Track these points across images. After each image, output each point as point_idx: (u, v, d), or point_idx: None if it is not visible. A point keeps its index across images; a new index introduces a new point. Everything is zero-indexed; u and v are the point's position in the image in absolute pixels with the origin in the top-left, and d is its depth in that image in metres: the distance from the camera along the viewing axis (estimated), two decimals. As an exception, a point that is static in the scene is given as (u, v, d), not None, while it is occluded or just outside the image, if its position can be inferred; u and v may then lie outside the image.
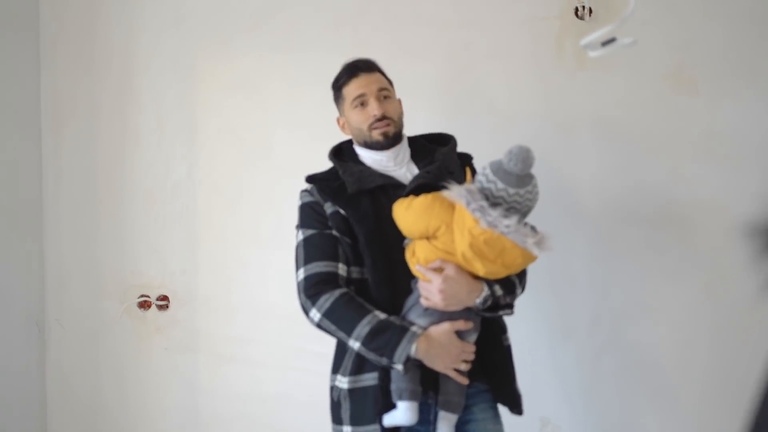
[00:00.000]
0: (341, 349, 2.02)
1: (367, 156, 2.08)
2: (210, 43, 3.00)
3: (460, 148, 2.16)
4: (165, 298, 3.07)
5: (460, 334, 1.89)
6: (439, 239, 1.84)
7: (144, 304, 3.07)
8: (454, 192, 1.81)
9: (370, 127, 2.03)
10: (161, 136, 3.07)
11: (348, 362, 1.98)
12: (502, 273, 1.85)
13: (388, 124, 2.03)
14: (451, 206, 1.82)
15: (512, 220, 1.74)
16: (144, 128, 3.09)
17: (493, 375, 2.03)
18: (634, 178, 2.56)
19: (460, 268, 1.85)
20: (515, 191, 1.79)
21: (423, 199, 1.87)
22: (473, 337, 1.94)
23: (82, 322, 3.17)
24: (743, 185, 2.44)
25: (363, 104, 2.04)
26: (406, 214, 1.88)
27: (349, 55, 2.14)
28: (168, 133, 3.06)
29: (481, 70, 2.71)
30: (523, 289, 2.05)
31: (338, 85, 2.11)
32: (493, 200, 1.79)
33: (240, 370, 2.99)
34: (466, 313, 1.90)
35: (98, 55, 3.13)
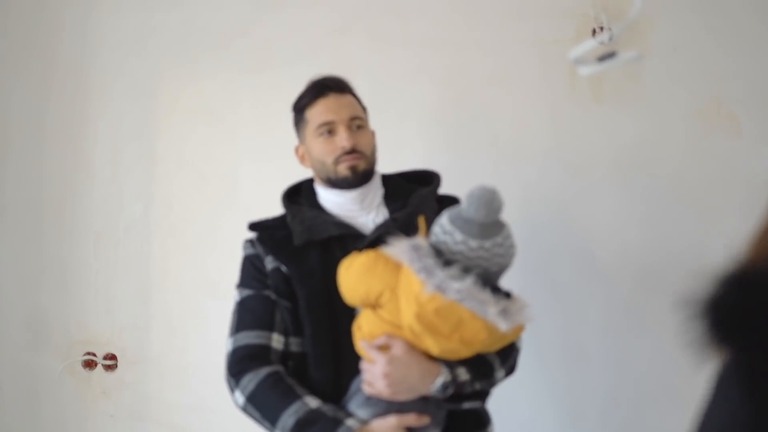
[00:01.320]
0: None
1: (327, 197, 1.87)
2: (173, 64, 2.83)
3: (453, 189, 1.94)
4: (113, 356, 2.87)
5: (413, 430, 1.62)
6: (384, 308, 1.58)
7: (89, 364, 2.87)
8: (395, 247, 1.55)
9: (337, 161, 1.81)
10: (115, 169, 2.89)
11: None
12: (463, 352, 1.58)
13: (358, 158, 1.82)
14: (398, 267, 1.56)
15: (466, 282, 1.47)
16: (98, 159, 2.91)
17: None
18: (659, 233, 2.32)
19: (413, 346, 1.59)
20: (478, 244, 1.51)
21: (365, 258, 1.61)
22: None
23: (19, 380, 2.99)
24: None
25: (331, 132, 1.82)
26: (346, 275, 1.63)
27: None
28: (123, 165, 2.89)
29: (480, 98, 2.50)
30: (509, 370, 1.78)
31: (300, 106, 1.89)
32: (450, 256, 1.52)
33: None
34: (422, 403, 1.62)
35: (49, 74, 2.97)
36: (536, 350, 2.22)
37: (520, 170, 2.42)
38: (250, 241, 1.87)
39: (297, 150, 1.94)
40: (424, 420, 1.61)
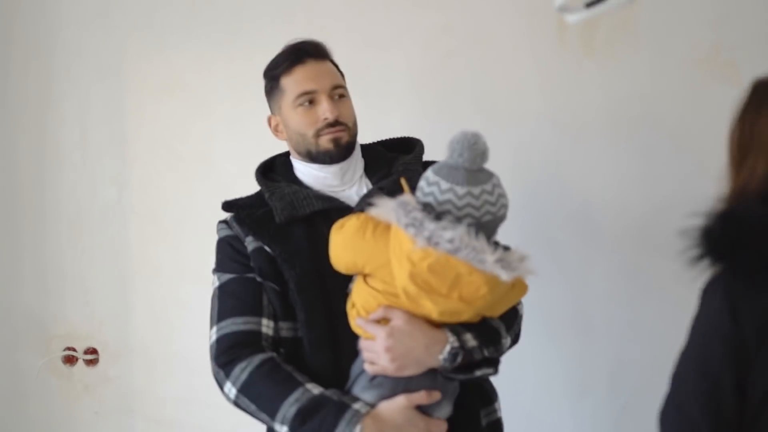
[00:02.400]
0: None
1: (306, 172, 1.77)
2: (140, 39, 2.73)
3: (438, 156, 1.79)
4: (94, 350, 2.81)
5: (424, 408, 1.54)
6: (376, 276, 1.50)
7: (69, 359, 2.82)
8: (381, 207, 1.47)
9: (318, 133, 1.71)
10: (85, 153, 2.81)
11: None
12: (465, 314, 1.49)
13: (342, 130, 1.72)
14: (388, 228, 1.48)
15: (458, 230, 1.38)
16: (65, 143, 2.83)
17: None
18: (661, 192, 2.24)
19: (413, 315, 1.50)
20: (466, 191, 1.43)
21: (354, 220, 1.53)
22: (446, 410, 1.58)
23: (-4, 379, 2.95)
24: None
25: (311, 103, 1.72)
26: (337, 236, 1.56)
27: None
28: (93, 148, 2.80)
29: (464, 59, 2.41)
30: (515, 338, 1.70)
31: (276, 74, 1.76)
32: (439, 209, 1.44)
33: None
34: (430, 378, 1.53)
35: (7, 56, 2.88)
36: (539, 320, 2.13)
37: (510, 133, 2.33)
38: (225, 222, 1.76)
39: (269, 121, 1.83)
40: (435, 396, 1.53)
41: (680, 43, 2.20)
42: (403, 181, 1.55)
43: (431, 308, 1.45)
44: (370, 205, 1.52)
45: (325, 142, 1.71)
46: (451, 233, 1.37)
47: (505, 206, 1.48)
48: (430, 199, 1.45)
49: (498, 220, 1.48)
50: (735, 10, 2.15)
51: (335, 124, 1.70)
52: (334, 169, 1.73)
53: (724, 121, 2.08)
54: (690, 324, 1.33)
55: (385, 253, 1.46)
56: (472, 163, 1.43)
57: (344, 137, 1.72)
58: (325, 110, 1.69)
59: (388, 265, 1.47)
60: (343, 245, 1.53)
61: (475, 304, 1.45)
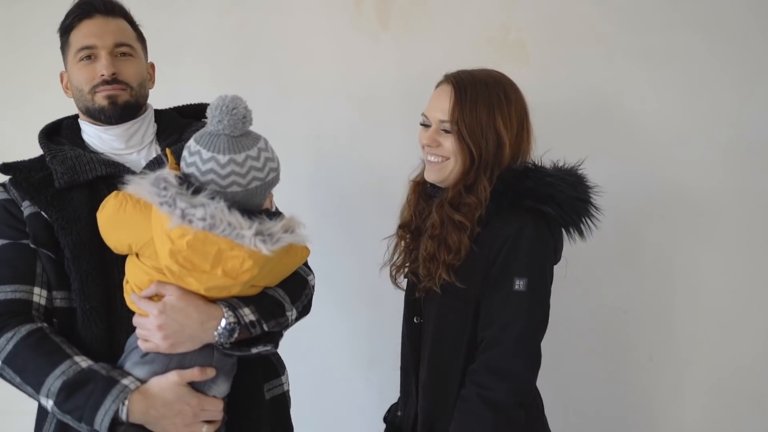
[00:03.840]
0: (43, 409, 1.57)
1: (91, 133, 1.67)
2: None
3: None
4: None
5: (198, 386, 1.49)
6: (144, 254, 1.45)
7: None
8: (136, 185, 1.40)
9: (94, 90, 1.62)
10: None
11: (50, 428, 1.57)
12: (235, 289, 1.45)
13: (120, 89, 1.63)
14: (148, 206, 1.41)
15: (209, 209, 1.34)
16: None
17: None
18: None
19: (187, 290, 1.45)
20: (228, 159, 1.38)
21: (112, 200, 1.47)
22: (222, 388, 1.53)
23: None
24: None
25: (90, 58, 1.63)
26: (99, 217, 1.49)
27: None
28: None
29: (260, 27, 2.38)
30: (304, 311, 1.67)
31: (64, 27, 1.67)
32: (203, 179, 1.39)
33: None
34: (206, 354, 1.48)
35: None
36: (332, 294, 2.12)
37: (304, 104, 2.30)
38: (2, 185, 1.64)
39: (62, 77, 1.73)
40: (210, 373, 1.48)
41: (472, 20, 2.21)
42: (168, 152, 1.48)
43: (196, 286, 1.41)
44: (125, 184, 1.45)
45: (100, 99, 1.62)
46: (201, 211, 1.33)
47: (274, 170, 1.44)
48: (192, 170, 1.39)
49: (267, 185, 1.43)
50: (525, -9, 2.18)
51: (112, 81, 1.62)
52: (118, 131, 1.64)
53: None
54: None
55: (149, 230, 1.40)
56: (233, 129, 1.38)
57: (122, 96, 1.63)
58: (102, 67, 1.61)
59: (153, 244, 1.42)
60: (107, 226, 1.47)
61: (242, 278, 1.41)
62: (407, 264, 1.73)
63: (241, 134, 1.40)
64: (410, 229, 1.73)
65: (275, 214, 1.44)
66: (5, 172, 1.63)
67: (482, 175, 1.57)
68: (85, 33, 1.63)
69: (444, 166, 1.61)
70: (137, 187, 1.40)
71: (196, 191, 1.36)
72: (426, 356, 1.63)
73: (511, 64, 2.11)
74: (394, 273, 1.76)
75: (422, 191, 1.73)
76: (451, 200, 1.58)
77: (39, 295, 1.56)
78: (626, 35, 2.15)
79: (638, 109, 2.16)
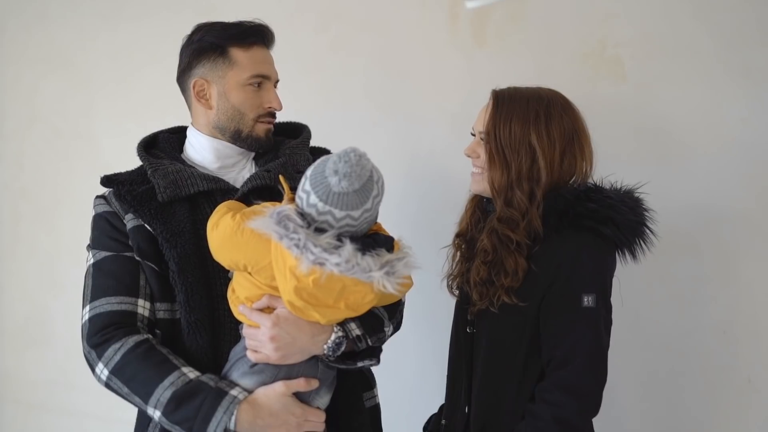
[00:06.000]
0: (144, 417, 1.62)
1: (206, 146, 1.71)
2: (21, 10, 2.63)
3: (325, 142, 1.86)
4: None
5: (302, 396, 1.53)
6: (259, 275, 1.48)
7: None
8: (259, 221, 1.41)
9: (258, 119, 1.69)
10: None
11: None
12: (351, 316, 1.51)
13: (273, 122, 1.74)
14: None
15: (344, 254, 1.36)
16: None
17: None
18: None
19: None
20: (345, 214, 1.41)
21: (229, 222, 1.47)
22: (324, 400, 1.58)
23: None
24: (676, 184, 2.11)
25: (260, 86, 1.69)
26: (213, 235, 1.50)
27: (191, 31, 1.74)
28: None
29: (355, 45, 2.42)
30: (397, 326, 1.70)
31: (227, 42, 1.67)
32: (319, 225, 1.41)
33: (54, 421, 2.61)
34: (311, 365, 1.53)
35: None
36: (417, 311, 2.10)
37: (401, 123, 2.32)
38: (103, 197, 1.68)
39: (194, 85, 1.70)
40: (314, 384, 1.52)
41: (568, 37, 2.20)
42: (282, 180, 1.51)
43: (318, 318, 1.46)
44: (254, 194, 1.52)
45: (261, 130, 1.70)
46: (337, 258, 1.35)
47: (379, 203, 1.46)
48: (309, 211, 1.41)
49: (374, 220, 1.47)
50: (621, 5, 2.16)
51: (273, 115, 1.72)
52: (242, 151, 1.71)
53: (610, 115, 2.15)
54: None
55: (267, 256, 1.43)
56: (356, 188, 1.40)
57: (272, 129, 1.74)
58: (272, 99, 1.69)
59: (270, 268, 1.44)
60: (221, 245, 1.49)
61: (362, 310, 1.48)
62: (462, 273, 1.75)
63: (360, 187, 1.42)
64: (466, 239, 1.75)
65: (386, 240, 1.47)
66: (107, 185, 1.68)
67: (516, 188, 1.59)
68: (260, 60, 1.69)
69: (484, 177, 1.65)
70: (262, 224, 1.40)
71: (318, 230, 1.39)
72: (479, 369, 1.64)
73: (607, 80, 2.15)
74: (450, 283, 1.78)
75: (479, 203, 1.77)
76: (500, 216, 1.61)
77: (143, 306, 1.59)
78: (726, 51, 2.09)
79: (738, 128, 2.10)
